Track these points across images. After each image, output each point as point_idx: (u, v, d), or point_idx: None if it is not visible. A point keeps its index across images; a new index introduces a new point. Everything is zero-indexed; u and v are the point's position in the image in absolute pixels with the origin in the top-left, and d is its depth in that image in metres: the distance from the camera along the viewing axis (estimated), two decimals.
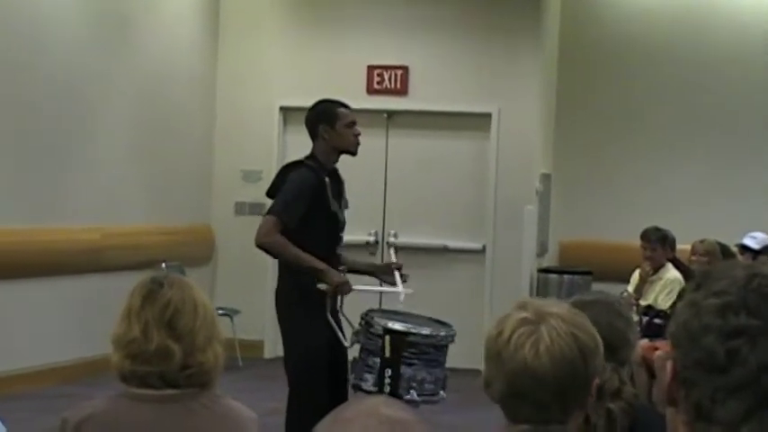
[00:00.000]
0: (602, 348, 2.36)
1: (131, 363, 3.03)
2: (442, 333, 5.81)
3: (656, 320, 8.76)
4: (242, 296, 11.48)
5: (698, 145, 12.19)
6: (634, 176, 12.30)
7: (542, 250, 12.16)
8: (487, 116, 11.54)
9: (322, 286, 5.81)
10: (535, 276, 11.70)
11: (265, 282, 11.09)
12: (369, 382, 5.74)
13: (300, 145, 11.62)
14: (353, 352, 5.98)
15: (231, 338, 10.19)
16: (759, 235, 9.65)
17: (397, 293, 6.09)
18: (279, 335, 6.15)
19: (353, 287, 5.89)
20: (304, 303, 5.91)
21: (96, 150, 10.26)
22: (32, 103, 9.43)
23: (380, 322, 5.72)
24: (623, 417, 3.08)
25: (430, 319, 6.14)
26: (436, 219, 11.63)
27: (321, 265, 5.84)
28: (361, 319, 5.89)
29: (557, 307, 2.34)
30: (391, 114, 11.71)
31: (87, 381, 9.01)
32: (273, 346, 11.32)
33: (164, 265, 10.13)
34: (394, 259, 6.59)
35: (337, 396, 5.78)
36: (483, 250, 11.60)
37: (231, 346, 9.93)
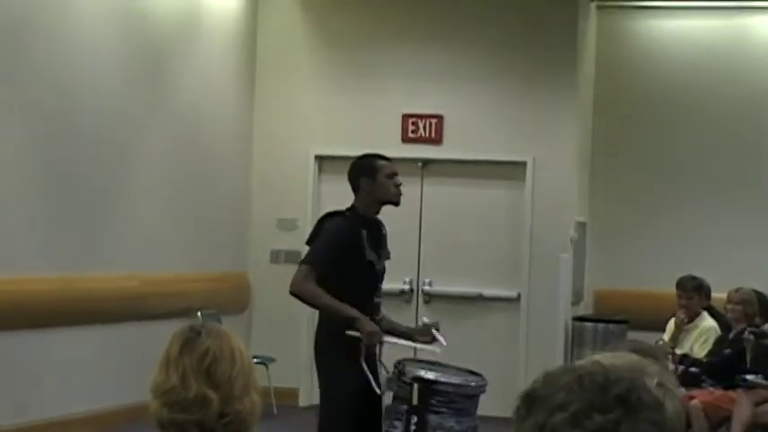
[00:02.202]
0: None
1: (169, 410, 3.06)
2: (472, 383, 5.89)
3: (692, 369, 8.72)
4: (277, 344, 11.50)
5: (734, 194, 12.15)
6: (669, 225, 12.28)
7: (577, 298, 12.13)
8: (522, 165, 11.57)
9: (353, 333, 5.90)
10: (570, 325, 11.67)
11: (300, 330, 11.12)
12: (398, 429, 5.85)
13: (336, 193, 11.76)
14: (387, 399, 6.04)
15: (266, 386, 10.23)
16: None
17: (434, 349, 6.17)
18: (314, 383, 6.23)
19: (385, 339, 5.95)
20: (339, 351, 6.00)
21: (134, 198, 10.36)
22: (69, 151, 9.54)
23: (411, 371, 5.79)
24: None
25: (461, 369, 6.20)
26: (471, 267, 11.64)
27: (353, 312, 5.94)
28: (395, 367, 5.97)
29: (650, 367, 2.27)
30: (426, 163, 11.76)
31: (126, 428, 9.06)
32: (308, 394, 11.33)
33: (199, 313, 10.18)
34: (426, 320, 6.59)
35: None
36: (518, 298, 11.59)
37: (266, 393, 9.96)
